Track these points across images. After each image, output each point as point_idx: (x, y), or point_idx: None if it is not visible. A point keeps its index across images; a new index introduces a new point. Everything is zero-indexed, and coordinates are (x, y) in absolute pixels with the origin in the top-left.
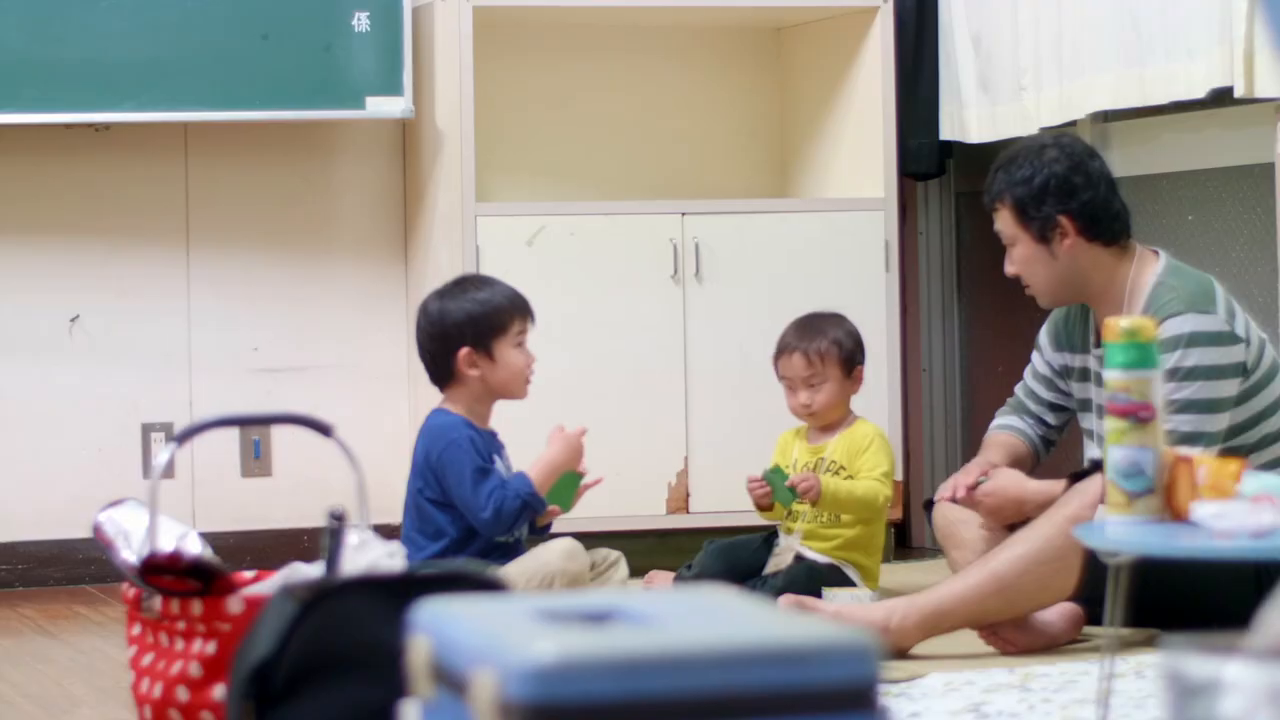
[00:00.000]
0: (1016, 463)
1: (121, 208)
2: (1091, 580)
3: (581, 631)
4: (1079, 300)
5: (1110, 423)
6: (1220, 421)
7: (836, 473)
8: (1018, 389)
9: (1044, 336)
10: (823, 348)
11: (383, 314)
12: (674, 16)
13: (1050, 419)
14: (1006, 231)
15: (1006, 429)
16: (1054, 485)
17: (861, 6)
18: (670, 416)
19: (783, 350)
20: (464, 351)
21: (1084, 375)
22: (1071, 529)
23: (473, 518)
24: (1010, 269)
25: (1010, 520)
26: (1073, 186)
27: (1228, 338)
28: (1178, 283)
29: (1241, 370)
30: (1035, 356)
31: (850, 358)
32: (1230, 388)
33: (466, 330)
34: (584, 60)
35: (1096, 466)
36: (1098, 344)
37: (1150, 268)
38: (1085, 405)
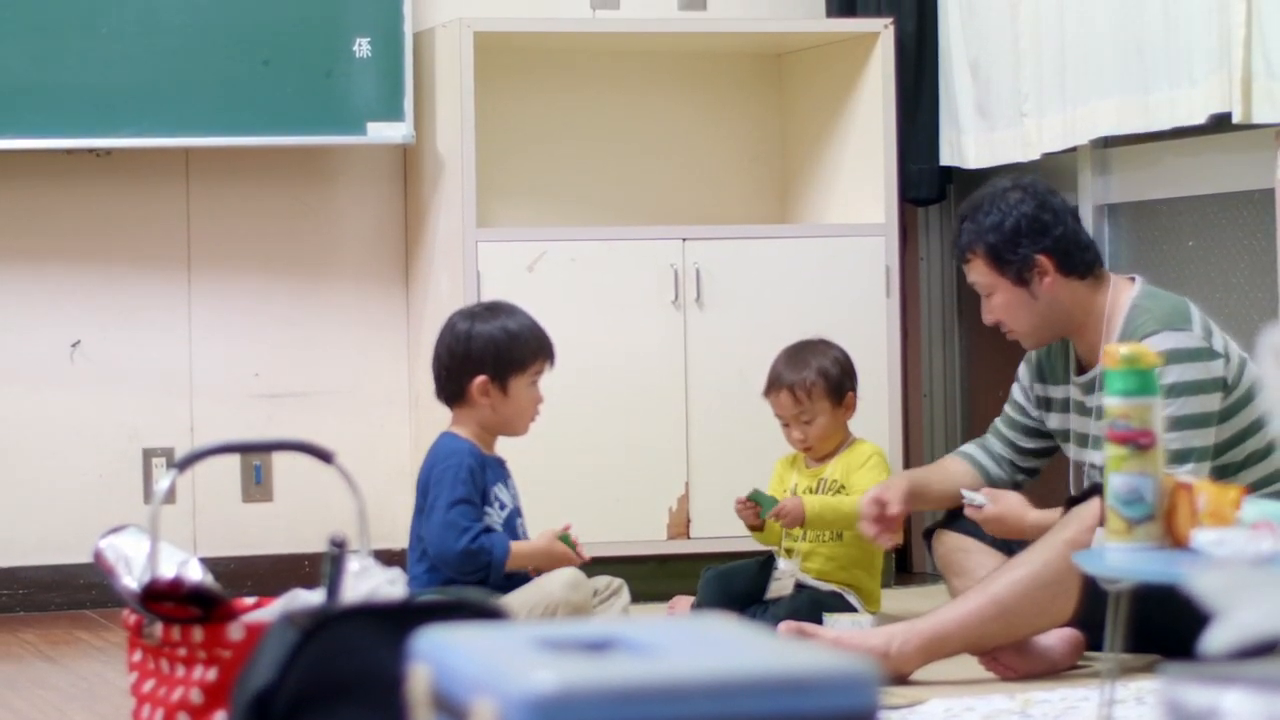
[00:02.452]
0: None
1: (122, 233)
2: (1091, 606)
3: (581, 661)
4: (1062, 337)
5: (1110, 449)
6: (1208, 436)
7: (837, 491)
8: (995, 422)
9: (1023, 370)
10: (809, 382)
11: (384, 339)
12: (675, 42)
13: (1017, 457)
14: (982, 281)
15: (960, 455)
16: (1055, 514)
17: (862, 32)
18: (671, 442)
19: (770, 387)
20: (480, 379)
21: (1064, 406)
22: (1070, 553)
23: (436, 537)
24: (989, 318)
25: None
26: (1044, 224)
27: (1205, 353)
28: (1152, 304)
29: (1222, 385)
30: (1014, 389)
31: (838, 386)
32: (1213, 402)
33: (488, 359)
34: (585, 85)
35: (1094, 490)
36: (1079, 373)
37: (1125, 293)
38: (1065, 436)
